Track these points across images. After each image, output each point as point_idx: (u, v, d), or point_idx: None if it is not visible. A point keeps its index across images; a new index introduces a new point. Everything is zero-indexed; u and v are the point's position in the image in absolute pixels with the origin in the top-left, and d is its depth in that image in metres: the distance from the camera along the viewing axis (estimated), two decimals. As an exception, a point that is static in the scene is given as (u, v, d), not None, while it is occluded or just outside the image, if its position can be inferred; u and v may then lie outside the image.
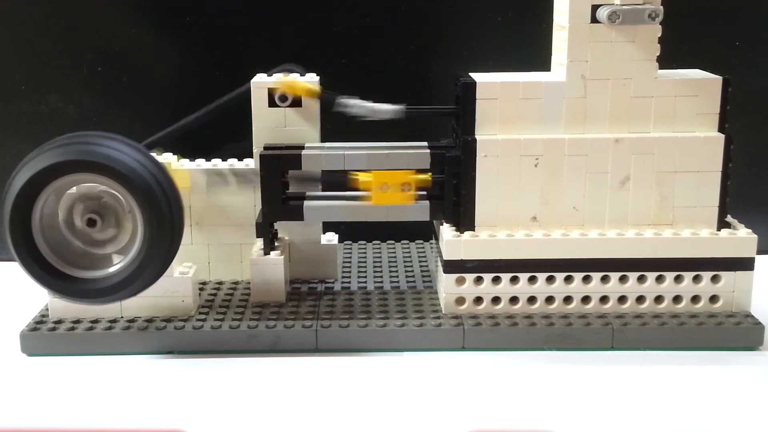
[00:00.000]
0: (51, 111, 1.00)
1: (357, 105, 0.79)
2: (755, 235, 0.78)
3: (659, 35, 0.77)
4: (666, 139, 0.78)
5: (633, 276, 0.78)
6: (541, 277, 0.78)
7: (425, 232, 0.93)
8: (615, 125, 0.78)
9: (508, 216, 0.79)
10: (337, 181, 0.80)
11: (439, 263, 0.81)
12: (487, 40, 0.98)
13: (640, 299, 0.79)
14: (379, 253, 0.96)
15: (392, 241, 1.00)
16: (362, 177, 0.79)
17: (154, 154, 0.72)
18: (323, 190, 0.81)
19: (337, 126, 0.83)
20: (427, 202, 0.80)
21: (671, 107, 0.78)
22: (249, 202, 0.84)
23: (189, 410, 0.67)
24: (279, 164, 0.80)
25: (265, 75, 0.83)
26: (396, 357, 0.75)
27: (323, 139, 0.83)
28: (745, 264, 0.78)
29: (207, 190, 0.83)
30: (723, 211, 0.79)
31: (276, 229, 0.84)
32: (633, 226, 0.79)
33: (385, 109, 0.79)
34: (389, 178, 0.78)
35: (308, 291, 0.84)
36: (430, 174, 0.79)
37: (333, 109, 0.80)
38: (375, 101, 0.80)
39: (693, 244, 0.77)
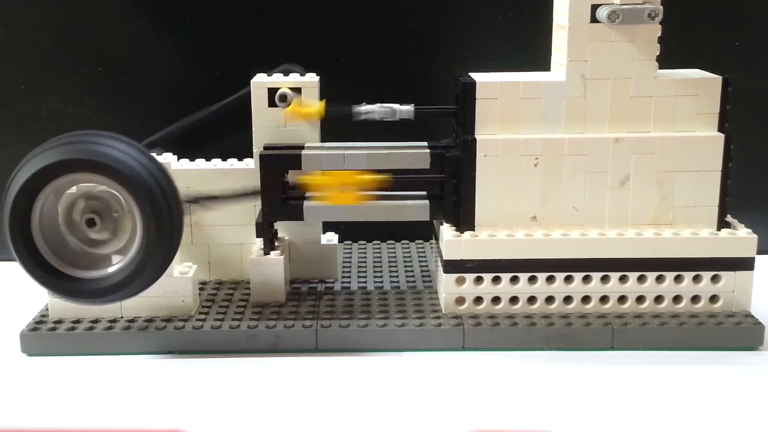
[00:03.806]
0: (51, 111, 1.00)
1: (375, 110, 0.79)
2: (755, 235, 0.78)
3: (659, 35, 0.77)
4: (666, 139, 0.78)
5: (633, 276, 0.78)
6: (541, 277, 0.78)
7: (425, 232, 0.93)
8: (615, 125, 0.78)
9: (508, 216, 0.79)
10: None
11: (439, 263, 0.81)
12: (487, 40, 0.98)
13: (640, 299, 0.79)
14: (379, 253, 0.96)
15: (392, 241, 1.00)
16: (314, 179, 0.79)
17: (153, 154, 0.72)
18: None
19: (337, 126, 0.83)
20: (427, 202, 0.80)
21: (671, 107, 0.78)
22: (249, 202, 0.84)
23: (189, 410, 0.67)
24: (279, 164, 0.80)
25: (265, 75, 0.83)
26: (396, 357, 0.75)
27: (323, 139, 0.83)
28: (745, 264, 0.78)
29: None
30: (723, 211, 0.79)
31: (276, 229, 0.84)
32: (633, 226, 0.79)
33: (406, 109, 0.79)
34: (336, 179, 0.78)
35: (308, 291, 0.84)
36: (389, 174, 0.79)
37: (353, 119, 0.79)
38: (368, 101, 0.80)
39: (693, 244, 0.77)
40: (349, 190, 0.78)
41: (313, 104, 0.80)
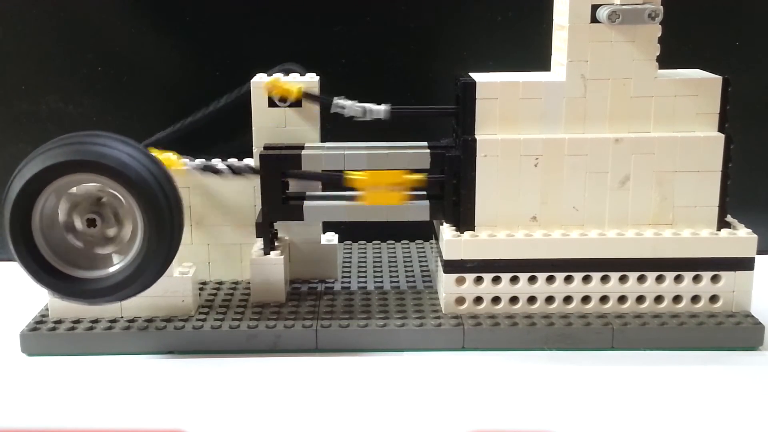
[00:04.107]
0: (51, 111, 1.00)
1: (351, 106, 0.79)
2: (755, 235, 0.78)
3: (659, 35, 0.77)
4: (666, 139, 0.78)
5: (633, 276, 0.78)
6: (541, 277, 0.78)
7: (425, 232, 0.93)
8: (615, 125, 0.78)
9: (508, 216, 0.79)
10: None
11: (439, 263, 0.81)
12: (487, 40, 0.98)
13: (640, 299, 0.79)
14: (379, 253, 0.96)
15: (392, 241, 1.00)
16: (356, 175, 0.79)
17: (154, 154, 0.72)
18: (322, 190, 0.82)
19: (337, 126, 0.83)
20: (427, 202, 0.80)
21: (671, 107, 0.78)
22: (249, 202, 0.84)
23: (189, 410, 0.67)
24: (279, 164, 0.80)
25: (265, 75, 0.83)
26: (396, 357, 0.75)
27: (323, 139, 0.83)
28: (745, 264, 0.78)
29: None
30: (723, 211, 0.79)
31: (276, 229, 0.84)
32: (633, 226, 0.79)
33: (377, 109, 0.79)
34: (382, 179, 0.78)
35: (308, 291, 0.84)
36: (424, 174, 0.79)
37: (331, 110, 0.80)
38: (371, 102, 0.80)
39: (693, 244, 0.77)
40: (396, 190, 0.78)
41: (292, 84, 0.80)
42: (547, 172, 0.78)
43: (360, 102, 0.80)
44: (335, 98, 0.79)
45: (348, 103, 0.79)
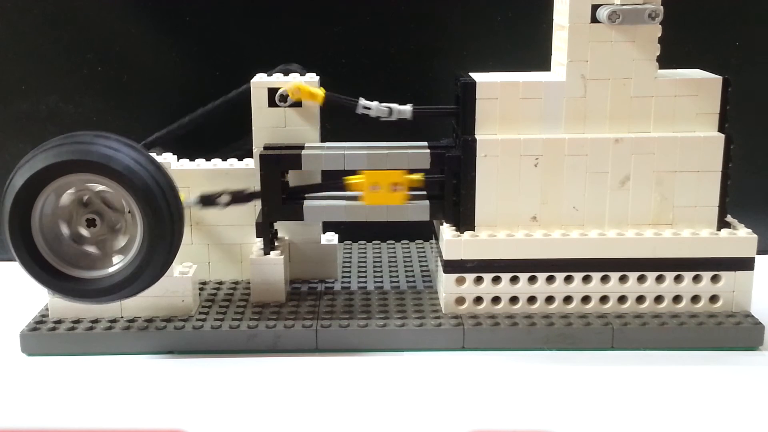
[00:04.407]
0: (51, 111, 1.00)
1: (377, 107, 0.79)
2: (755, 235, 0.78)
3: (659, 35, 0.77)
4: (666, 139, 0.78)
5: (633, 276, 0.78)
6: (541, 277, 0.78)
7: (425, 232, 0.93)
8: (615, 125, 0.78)
9: (508, 216, 0.79)
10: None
11: (439, 263, 0.81)
12: (487, 40, 0.98)
13: (640, 299, 0.79)
14: (379, 253, 0.96)
15: (392, 241, 1.00)
16: (354, 179, 0.79)
17: (153, 154, 0.72)
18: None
19: (336, 126, 0.83)
20: (427, 202, 0.80)
21: (671, 107, 0.78)
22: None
23: (189, 410, 0.67)
24: (279, 164, 0.80)
25: (265, 75, 0.83)
26: (396, 357, 0.75)
27: (323, 139, 0.83)
28: (745, 264, 0.78)
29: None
30: (723, 211, 0.79)
31: (276, 229, 0.84)
32: (633, 226, 0.79)
33: (403, 109, 0.79)
34: (381, 179, 0.78)
35: (308, 291, 0.84)
36: (422, 174, 0.79)
37: (357, 111, 0.79)
38: (380, 101, 0.80)
39: (693, 244, 0.77)
40: (398, 190, 0.78)
41: (316, 89, 0.80)
42: (547, 172, 0.78)
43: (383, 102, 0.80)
44: (360, 99, 0.79)
45: (374, 104, 0.79)
